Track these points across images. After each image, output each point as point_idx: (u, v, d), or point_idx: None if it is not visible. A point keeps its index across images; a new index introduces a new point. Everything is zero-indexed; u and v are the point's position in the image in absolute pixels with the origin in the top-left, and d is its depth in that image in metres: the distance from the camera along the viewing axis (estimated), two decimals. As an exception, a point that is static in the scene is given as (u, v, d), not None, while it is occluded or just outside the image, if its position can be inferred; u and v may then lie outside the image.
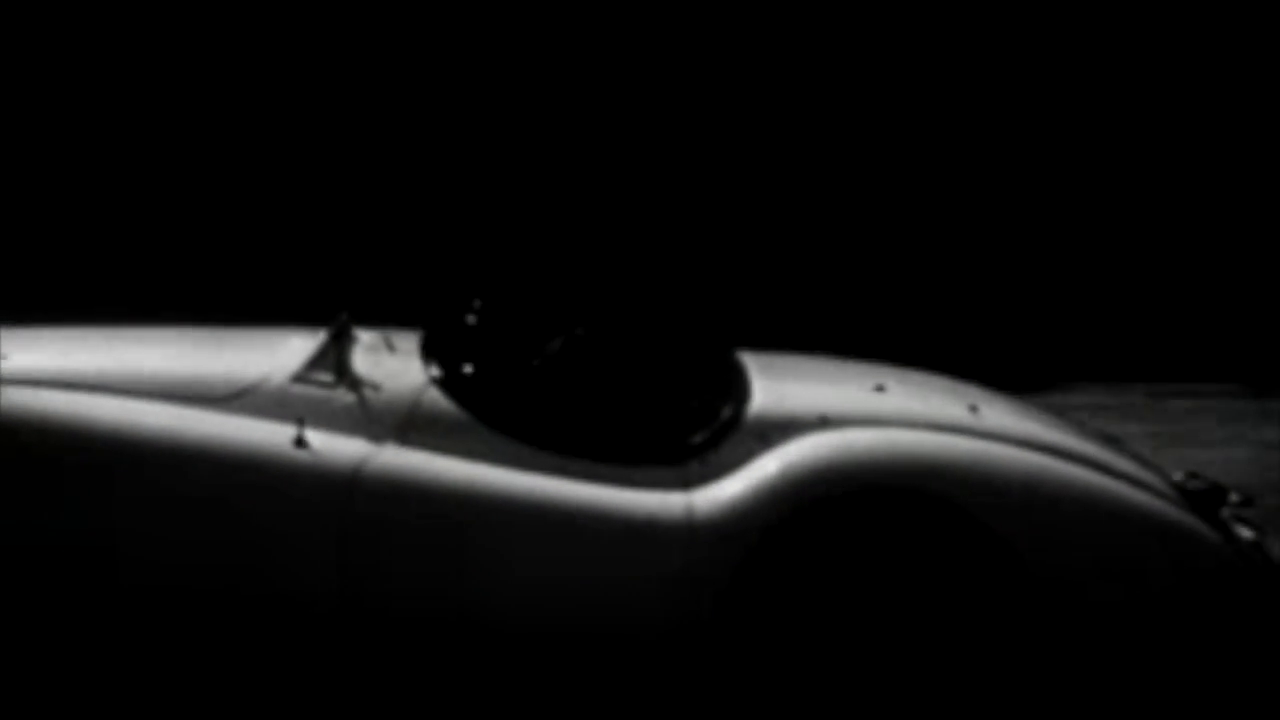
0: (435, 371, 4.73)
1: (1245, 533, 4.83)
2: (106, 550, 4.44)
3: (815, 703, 4.45)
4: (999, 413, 4.94)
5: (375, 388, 4.66)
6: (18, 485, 4.43)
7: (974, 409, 4.89)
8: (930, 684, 4.46)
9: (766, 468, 4.52)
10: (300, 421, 4.53)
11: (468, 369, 4.76)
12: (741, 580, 4.43)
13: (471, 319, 4.99)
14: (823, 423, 4.64)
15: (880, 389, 4.95)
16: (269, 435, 4.53)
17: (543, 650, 4.49)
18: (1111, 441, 5.25)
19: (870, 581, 4.47)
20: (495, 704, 4.51)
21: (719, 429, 4.66)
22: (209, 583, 4.45)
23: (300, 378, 4.69)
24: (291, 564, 4.45)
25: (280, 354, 4.81)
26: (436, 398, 4.66)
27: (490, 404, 4.67)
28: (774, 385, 4.83)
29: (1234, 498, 4.90)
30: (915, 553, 4.47)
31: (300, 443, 4.51)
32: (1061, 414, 5.60)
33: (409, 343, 4.93)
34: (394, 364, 4.76)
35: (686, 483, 4.56)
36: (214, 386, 4.68)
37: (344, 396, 4.65)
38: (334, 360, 4.71)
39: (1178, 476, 5.00)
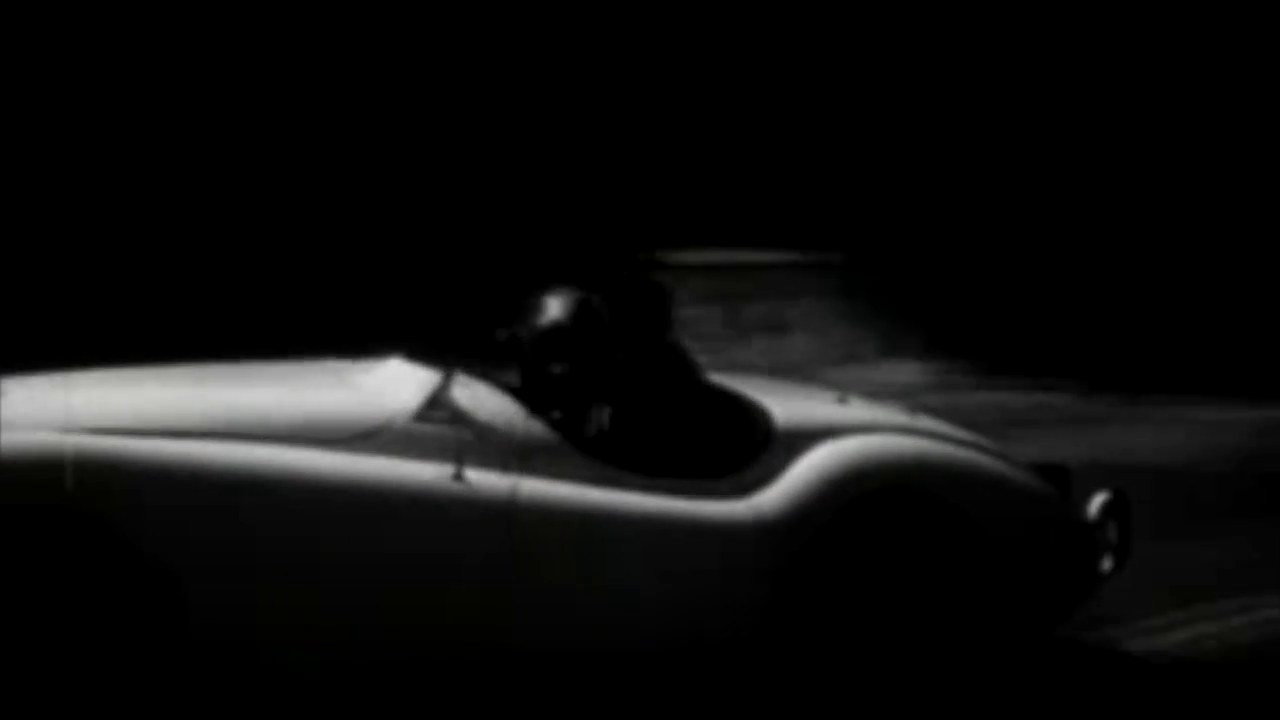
0: (529, 406, 5.45)
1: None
2: (310, 585, 4.98)
3: (863, 656, 5.59)
4: (926, 418, 6.21)
5: (488, 424, 5.34)
6: (229, 527, 4.89)
7: (913, 414, 6.14)
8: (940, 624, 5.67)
9: (808, 473, 5.57)
10: (459, 459, 5.18)
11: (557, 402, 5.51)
12: (800, 566, 5.49)
13: (539, 351, 5.69)
14: (830, 433, 5.74)
15: (843, 400, 6.10)
16: (427, 472, 5.15)
17: (655, 622, 5.38)
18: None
19: (891, 559, 5.63)
20: (621, 666, 5.38)
21: (757, 443, 5.67)
22: (393, 613, 5.07)
23: (422, 417, 5.29)
24: (465, 585, 5.12)
25: (384, 393, 5.39)
26: (539, 429, 5.39)
27: (581, 432, 5.46)
28: (779, 403, 5.86)
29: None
30: (915, 534, 5.67)
31: (459, 477, 5.17)
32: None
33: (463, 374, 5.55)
34: (488, 400, 5.41)
35: (742, 490, 5.55)
36: (343, 427, 5.21)
37: (464, 433, 5.30)
38: (448, 400, 5.34)
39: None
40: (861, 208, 16.83)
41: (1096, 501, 6.22)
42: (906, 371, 14.43)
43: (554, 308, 5.81)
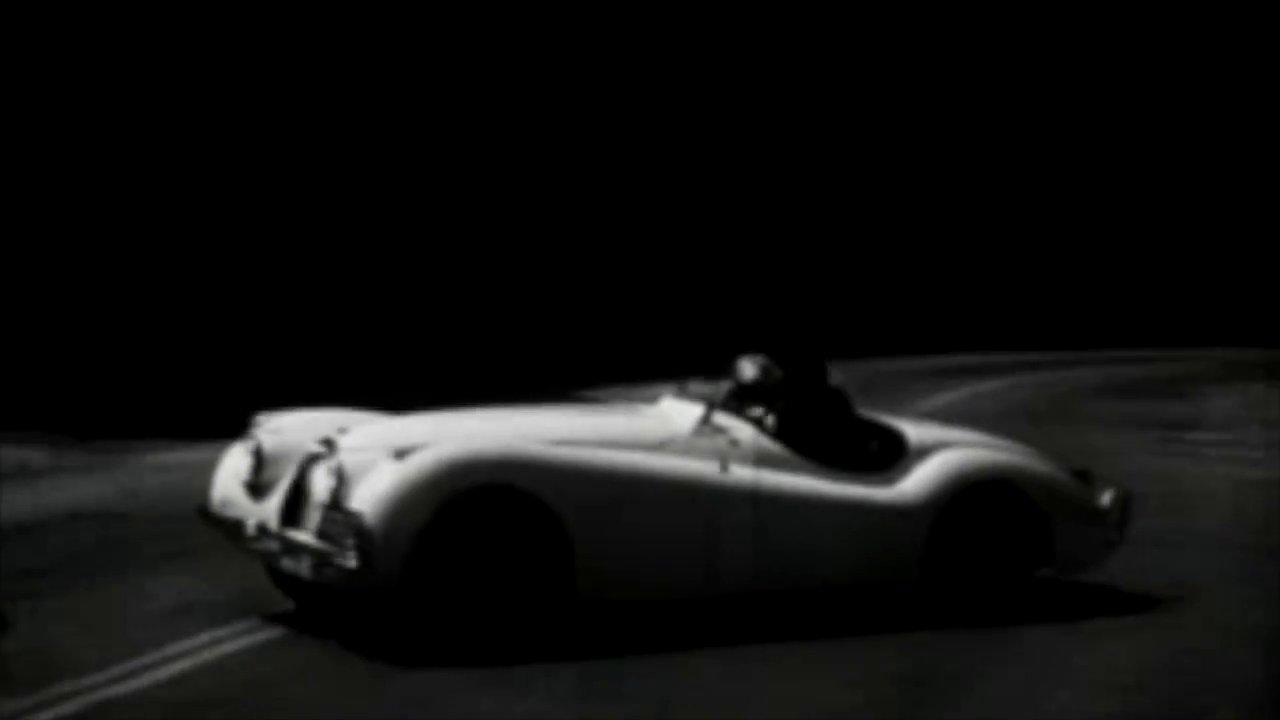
0: (756, 423, 8.48)
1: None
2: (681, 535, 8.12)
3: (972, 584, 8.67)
4: (1001, 438, 9.30)
5: (736, 437, 8.37)
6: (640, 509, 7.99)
7: (992, 435, 9.23)
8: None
9: (935, 472, 8.65)
10: (724, 459, 8.23)
11: (773, 419, 8.54)
12: (933, 530, 8.56)
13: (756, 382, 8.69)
14: (942, 445, 8.82)
15: (935, 423, 9.21)
16: (707, 466, 8.20)
17: (843, 566, 8.46)
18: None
19: (988, 525, 8.71)
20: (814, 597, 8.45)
21: (899, 451, 8.74)
22: (690, 550, 8.13)
23: (697, 433, 8.34)
24: (729, 536, 8.18)
25: (668, 420, 8.43)
26: (763, 439, 8.44)
27: (793, 439, 8.50)
28: (908, 426, 8.94)
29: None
30: (996, 506, 8.76)
31: (724, 469, 8.22)
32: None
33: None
34: (732, 423, 8.45)
35: (892, 482, 8.62)
36: (653, 439, 8.25)
37: (720, 442, 8.34)
38: (711, 422, 8.38)
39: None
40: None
41: (1107, 495, 9.28)
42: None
43: (747, 370, 8.81)
